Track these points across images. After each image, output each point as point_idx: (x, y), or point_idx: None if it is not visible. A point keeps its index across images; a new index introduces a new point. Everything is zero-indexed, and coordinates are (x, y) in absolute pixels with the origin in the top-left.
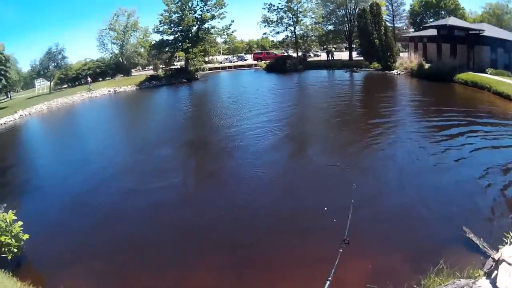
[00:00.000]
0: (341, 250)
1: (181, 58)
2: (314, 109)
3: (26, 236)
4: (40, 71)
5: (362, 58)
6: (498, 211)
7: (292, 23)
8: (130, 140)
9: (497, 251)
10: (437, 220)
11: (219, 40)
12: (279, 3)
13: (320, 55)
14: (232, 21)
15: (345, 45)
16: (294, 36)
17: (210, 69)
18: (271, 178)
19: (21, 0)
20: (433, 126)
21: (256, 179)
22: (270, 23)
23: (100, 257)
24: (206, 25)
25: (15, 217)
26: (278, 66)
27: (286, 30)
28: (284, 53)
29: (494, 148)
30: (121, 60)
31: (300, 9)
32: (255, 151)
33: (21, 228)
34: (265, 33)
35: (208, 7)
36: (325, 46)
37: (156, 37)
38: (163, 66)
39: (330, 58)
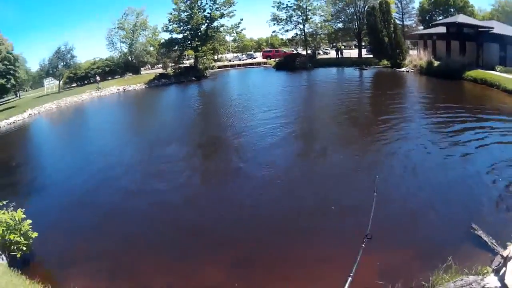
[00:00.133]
0: (363, 245)
1: (190, 56)
2: (323, 107)
3: (35, 234)
4: (49, 70)
5: (371, 55)
6: (507, 208)
7: (301, 21)
8: (138, 139)
9: (506, 248)
10: (445, 217)
11: (228, 38)
12: (289, 1)
13: (329, 53)
14: (241, 19)
15: (354, 42)
16: (303, 34)
17: (219, 67)
18: (282, 176)
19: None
20: (442, 123)
21: (267, 176)
22: (280, 21)
23: (108, 254)
24: (215, 24)
25: (24, 216)
26: (287, 64)
27: (295, 28)
28: (293, 51)
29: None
30: (130, 58)
31: (309, 7)
32: (266, 148)
33: (30, 227)
34: (274, 31)
35: (217, 6)
36: (334, 44)
37: (165, 36)
38: (173, 65)
39: (340, 56)
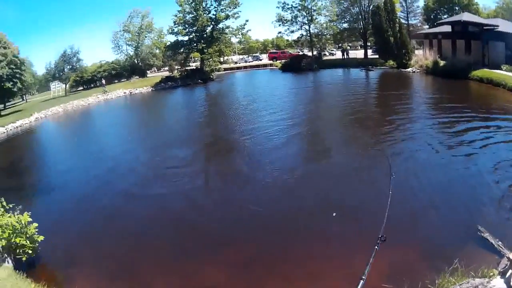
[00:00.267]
0: (376, 247)
1: (196, 58)
2: (330, 108)
3: (41, 238)
4: (56, 73)
5: (377, 56)
6: None
7: (306, 22)
8: (145, 142)
9: None
10: (451, 218)
11: (234, 40)
12: (293, 2)
13: (335, 54)
14: (247, 21)
15: (360, 43)
16: (308, 34)
17: (225, 69)
18: (287, 175)
19: (36, 3)
20: (448, 123)
21: (272, 176)
22: (285, 22)
23: (113, 256)
24: (220, 25)
25: (30, 219)
26: (293, 65)
27: (301, 29)
28: (299, 52)
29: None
30: (136, 61)
31: (314, 8)
32: (272, 149)
33: (36, 230)
34: (279, 32)
35: (222, 7)
36: (340, 45)
37: (171, 38)
38: (179, 67)
39: (345, 56)
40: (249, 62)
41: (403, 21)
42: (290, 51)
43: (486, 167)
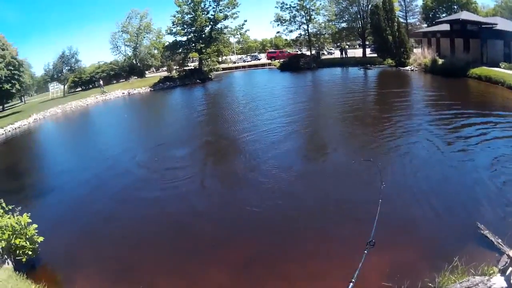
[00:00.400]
0: (366, 252)
1: (194, 58)
2: (328, 106)
3: (40, 239)
4: (54, 74)
5: (375, 55)
6: None
7: (305, 21)
8: (143, 142)
9: None
10: (450, 216)
11: (233, 40)
12: (292, 2)
13: (333, 53)
14: (245, 21)
15: (358, 42)
16: (307, 34)
17: (224, 69)
18: (286, 173)
19: (35, 5)
20: (447, 121)
21: (271, 175)
22: (283, 21)
23: (113, 257)
24: (219, 25)
25: (30, 220)
26: (292, 64)
27: (299, 29)
28: (297, 51)
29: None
30: (135, 62)
31: (313, 7)
32: (270, 147)
33: (36, 231)
34: (278, 32)
35: (221, 7)
36: (338, 44)
37: (169, 39)
38: (177, 67)
39: (344, 55)
40: (247, 61)
41: (401, 20)
42: (288, 51)
43: (484, 163)
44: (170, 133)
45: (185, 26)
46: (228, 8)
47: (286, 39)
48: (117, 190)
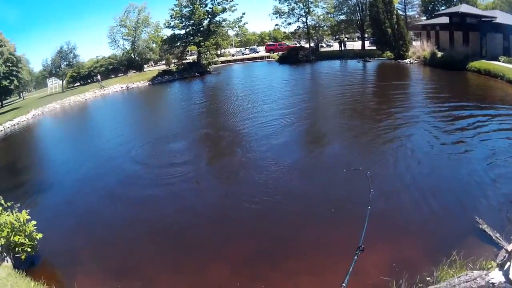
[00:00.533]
0: (356, 257)
1: (193, 52)
2: (327, 99)
3: (39, 236)
4: (52, 70)
5: (374, 47)
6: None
7: (303, 14)
8: (142, 136)
9: (510, 243)
10: (449, 210)
11: (231, 32)
12: None
13: (332, 45)
14: (244, 13)
15: (357, 34)
16: (306, 26)
17: (222, 62)
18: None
19: (32, 0)
20: (445, 113)
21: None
22: (282, 14)
23: (113, 254)
24: (217, 18)
25: (28, 217)
26: (290, 57)
27: (298, 21)
28: (296, 44)
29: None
30: (133, 56)
31: (311, 0)
32: (269, 139)
33: (35, 228)
34: (276, 25)
35: (219, 0)
36: (337, 36)
37: (168, 32)
38: (176, 61)
39: (343, 48)
40: (246, 54)
41: (400, 12)
42: (287, 43)
43: (483, 157)
44: (170, 126)
45: (183, 19)
46: (226, 1)
47: (284, 32)
48: (115, 185)
